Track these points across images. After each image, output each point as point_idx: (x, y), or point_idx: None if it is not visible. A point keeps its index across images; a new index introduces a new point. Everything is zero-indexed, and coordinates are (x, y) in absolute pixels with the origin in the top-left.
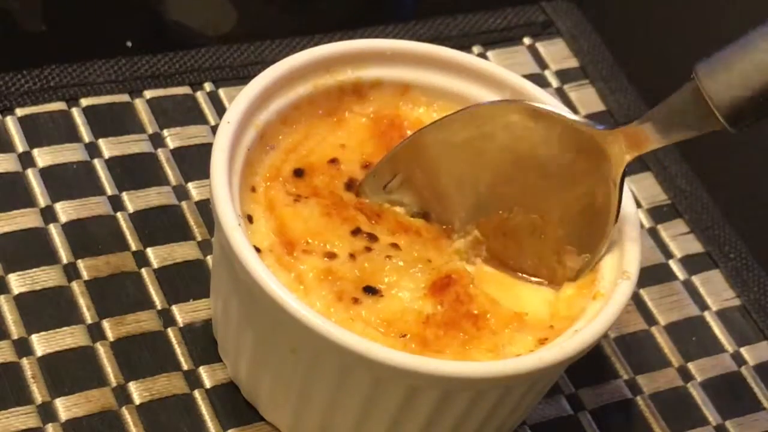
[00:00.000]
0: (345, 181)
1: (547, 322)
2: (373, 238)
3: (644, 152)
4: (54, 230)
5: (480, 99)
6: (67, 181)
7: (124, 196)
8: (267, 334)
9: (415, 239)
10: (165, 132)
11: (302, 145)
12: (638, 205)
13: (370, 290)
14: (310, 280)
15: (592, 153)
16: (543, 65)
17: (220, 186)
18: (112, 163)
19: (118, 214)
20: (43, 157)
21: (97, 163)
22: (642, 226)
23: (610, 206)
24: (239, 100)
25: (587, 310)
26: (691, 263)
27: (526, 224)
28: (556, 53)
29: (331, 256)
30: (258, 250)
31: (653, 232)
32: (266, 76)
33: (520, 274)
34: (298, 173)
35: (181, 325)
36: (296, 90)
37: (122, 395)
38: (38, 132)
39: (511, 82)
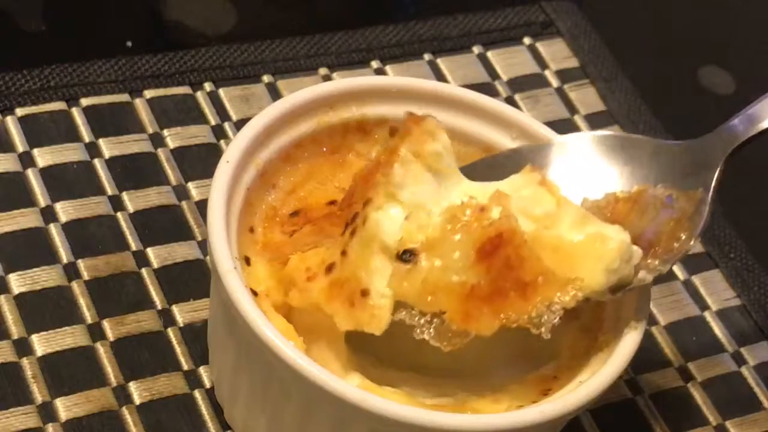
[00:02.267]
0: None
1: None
2: (353, 219)
3: (737, 145)
4: (54, 230)
5: (485, 137)
6: (67, 181)
7: (124, 196)
8: (262, 380)
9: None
10: (165, 132)
11: (302, 186)
12: None
13: (407, 253)
14: (325, 303)
15: (681, 166)
16: (543, 65)
17: (217, 228)
18: (112, 163)
19: (118, 214)
20: (43, 157)
21: (97, 163)
22: None
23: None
24: (240, 137)
25: (592, 360)
26: (691, 263)
27: None
28: (556, 53)
29: (331, 267)
30: (255, 293)
31: None
32: (268, 114)
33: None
34: (295, 215)
35: (181, 325)
36: (299, 127)
37: (122, 395)
38: (38, 132)
39: (519, 121)
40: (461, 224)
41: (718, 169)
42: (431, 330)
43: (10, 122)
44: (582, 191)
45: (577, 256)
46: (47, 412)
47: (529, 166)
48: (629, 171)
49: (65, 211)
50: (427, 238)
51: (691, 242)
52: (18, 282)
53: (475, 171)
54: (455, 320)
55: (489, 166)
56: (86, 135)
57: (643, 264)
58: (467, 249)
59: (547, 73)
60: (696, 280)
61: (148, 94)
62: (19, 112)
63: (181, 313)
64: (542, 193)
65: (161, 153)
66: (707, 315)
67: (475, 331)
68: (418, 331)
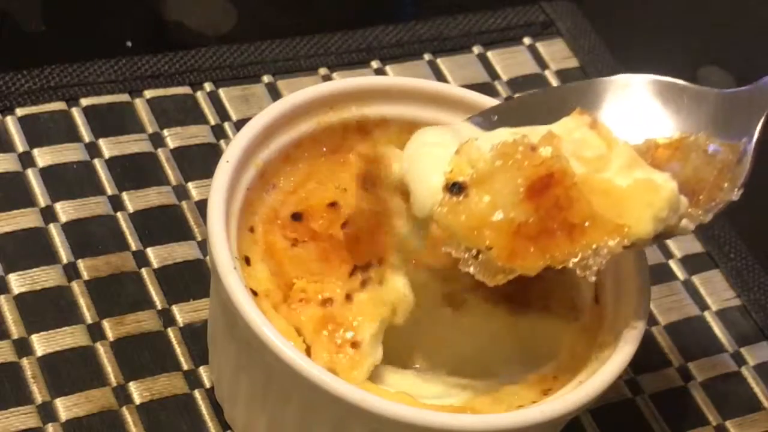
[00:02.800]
0: (343, 221)
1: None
2: (367, 267)
3: None
4: (54, 230)
5: None
6: (67, 181)
7: (124, 196)
8: (262, 380)
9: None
10: (165, 132)
11: (303, 186)
12: None
13: (455, 187)
14: (308, 331)
15: (724, 115)
16: (543, 65)
17: (217, 228)
18: (112, 163)
19: (118, 214)
20: (43, 156)
21: (97, 163)
22: None
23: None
24: (239, 137)
25: (592, 360)
26: (691, 263)
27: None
28: (556, 53)
29: (328, 302)
30: (255, 293)
31: None
32: (268, 114)
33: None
34: (296, 217)
35: (181, 325)
36: (299, 127)
37: (122, 395)
38: (38, 132)
39: None
40: (512, 161)
41: (762, 119)
42: (476, 265)
43: (10, 122)
44: (621, 135)
45: (626, 202)
46: (47, 412)
47: (579, 109)
48: (670, 117)
49: (65, 211)
50: (477, 173)
51: (734, 192)
52: (18, 282)
53: (515, 110)
54: (501, 257)
55: (528, 106)
56: (86, 135)
57: (685, 213)
58: (517, 186)
59: (547, 73)
60: (696, 280)
61: (148, 94)
62: (19, 112)
63: (181, 313)
64: (593, 136)
65: (161, 153)
66: (707, 315)
67: (520, 268)
68: (462, 264)
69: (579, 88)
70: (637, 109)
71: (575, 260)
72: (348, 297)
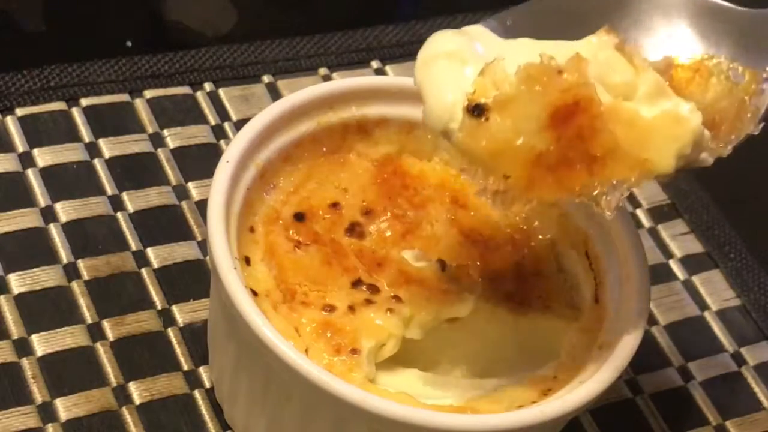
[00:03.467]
0: (346, 226)
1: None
2: (374, 289)
3: None
4: (54, 230)
5: None
6: (67, 181)
7: (124, 196)
8: (262, 380)
9: (419, 291)
10: (165, 132)
11: (303, 186)
12: (638, 205)
13: (476, 109)
14: (307, 333)
15: (752, 39)
16: None
17: (217, 228)
18: (112, 163)
19: (118, 214)
20: (43, 157)
21: (97, 163)
22: (642, 226)
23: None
24: (240, 137)
25: (592, 360)
26: (691, 263)
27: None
28: None
29: (330, 308)
30: (255, 293)
31: (653, 232)
32: (268, 114)
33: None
34: (299, 217)
35: (181, 325)
36: (299, 127)
37: (122, 395)
38: (38, 132)
39: None
40: (538, 85)
41: None
42: (493, 194)
43: (10, 122)
44: (641, 49)
45: (650, 135)
46: (47, 412)
47: (606, 28)
48: (694, 34)
49: (65, 211)
50: (501, 95)
51: (754, 125)
52: (18, 282)
53: (533, 15)
54: (518, 186)
55: (546, 11)
56: (86, 135)
57: (706, 146)
58: (541, 113)
59: None
60: (696, 280)
61: (148, 94)
62: (19, 112)
63: (181, 313)
64: (619, 59)
65: (161, 153)
66: (707, 315)
67: (536, 198)
68: (479, 192)
69: None
70: (660, 23)
71: (594, 193)
72: (351, 308)
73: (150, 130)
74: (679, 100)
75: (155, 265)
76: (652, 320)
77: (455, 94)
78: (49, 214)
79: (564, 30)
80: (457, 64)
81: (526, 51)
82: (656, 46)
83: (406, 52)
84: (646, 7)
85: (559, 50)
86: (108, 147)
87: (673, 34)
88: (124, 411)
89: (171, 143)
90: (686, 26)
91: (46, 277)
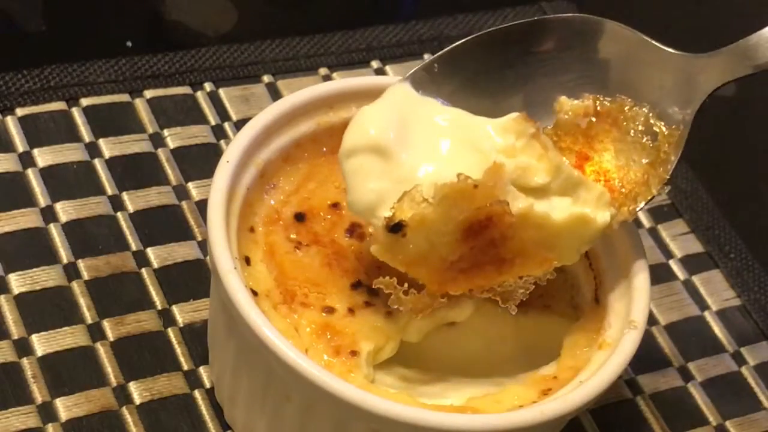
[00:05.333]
0: (346, 227)
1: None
2: (373, 292)
3: (732, 79)
4: (54, 230)
5: None
6: (67, 181)
7: (124, 196)
8: (262, 380)
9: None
10: (165, 132)
11: (304, 186)
12: None
13: (395, 227)
14: (307, 334)
15: (672, 77)
16: None
17: (217, 228)
18: (112, 163)
19: (118, 214)
20: (43, 156)
21: (97, 163)
22: (642, 225)
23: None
24: (240, 137)
25: (592, 360)
26: (691, 263)
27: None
28: None
29: (330, 310)
30: (255, 293)
31: (653, 232)
32: (268, 114)
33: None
34: (299, 218)
35: (181, 325)
36: (299, 127)
37: (122, 395)
38: (38, 132)
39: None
40: (452, 204)
41: (705, 98)
42: (405, 301)
43: (10, 122)
44: (561, 83)
45: (559, 236)
46: (47, 412)
47: (523, 114)
48: (621, 72)
49: (65, 211)
50: (418, 214)
51: (656, 191)
52: (18, 282)
53: (459, 59)
54: (430, 290)
55: (473, 53)
56: (86, 135)
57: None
58: (455, 229)
59: None
60: (696, 280)
61: (148, 94)
62: (19, 112)
63: (181, 313)
64: (538, 167)
65: (161, 153)
66: (707, 315)
67: (443, 293)
68: (392, 301)
69: (530, 32)
70: (589, 57)
71: (500, 289)
72: (350, 311)
73: (150, 130)
74: (593, 187)
75: (155, 265)
76: (652, 320)
77: (373, 194)
78: (49, 214)
79: (491, 70)
80: (378, 160)
81: (451, 122)
82: (581, 79)
83: (406, 52)
84: (574, 40)
85: (477, 126)
86: (108, 147)
87: (600, 69)
88: (124, 411)
89: (171, 143)
90: (615, 63)
91: (46, 277)
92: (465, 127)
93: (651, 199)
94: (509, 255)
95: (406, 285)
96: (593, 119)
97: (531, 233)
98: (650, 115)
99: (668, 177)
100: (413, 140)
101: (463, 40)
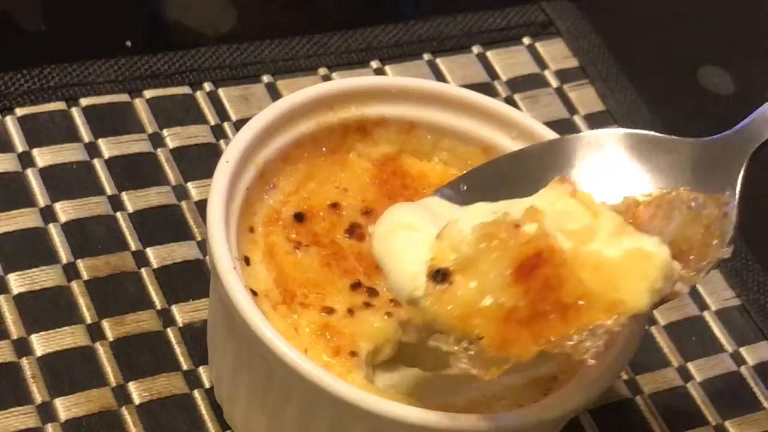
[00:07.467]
0: (346, 227)
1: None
2: (373, 292)
3: (759, 144)
4: (54, 230)
5: (485, 137)
6: (67, 181)
7: (124, 196)
8: (262, 380)
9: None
10: (165, 132)
11: (303, 186)
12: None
13: (439, 274)
14: (306, 334)
15: (702, 166)
16: (542, 65)
17: (217, 228)
18: (111, 163)
19: (118, 214)
20: (43, 156)
21: (97, 163)
22: None
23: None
24: (239, 137)
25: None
26: None
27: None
28: (556, 53)
29: (329, 310)
30: (254, 293)
31: None
32: (268, 114)
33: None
34: (299, 218)
35: (181, 325)
36: (298, 127)
37: (122, 395)
38: (38, 132)
39: (518, 121)
40: (496, 242)
41: (742, 171)
42: (468, 358)
43: (10, 122)
44: (599, 197)
45: (619, 275)
46: (47, 412)
47: (559, 178)
48: (647, 172)
49: (65, 211)
50: (461, 258)
51: (724, 248)
52: (18, 282)
53: (485, 178)
54: (492, 346)
55: (498, 173)
56: (86, 135)
57: (678, 276)
58: (504, 269)
59: (546, 73)
60: None
61: (148, 94)
62: (19, 112)
63: (181, 313)
64: (575, 206)
65: (161, 153)
66: (707, 315)
67: (514, 357)
68: (453, 358)
69: (548, 150)
70: (612, 166)
71: (571, 343)
72: (350, 311)
73: (149, 130)
74: (642, 236)
75: (155, 265)
76: (652, 320)
77: (416, 263)
78: (48, 214)
79: (518, 187)
80: (415, 233)
81: (482, 213)
82: (612, 188)
83: (406, 52)
84: (592, 153)
85: (515, 207)
86: (107, 147)
87: (627, 175)
88: (124, 411)
89: (171, 143)
90: (638, 165)
91: (45, 277)
92: (500, 206)
93: (719, 260)
94: (571, 299)
95: (465, 341)
96: (638, 209)
97: (588, 273)
98: (690, 192)
99: (731, 235)
100: (446, 218)
101: (488, 162)
